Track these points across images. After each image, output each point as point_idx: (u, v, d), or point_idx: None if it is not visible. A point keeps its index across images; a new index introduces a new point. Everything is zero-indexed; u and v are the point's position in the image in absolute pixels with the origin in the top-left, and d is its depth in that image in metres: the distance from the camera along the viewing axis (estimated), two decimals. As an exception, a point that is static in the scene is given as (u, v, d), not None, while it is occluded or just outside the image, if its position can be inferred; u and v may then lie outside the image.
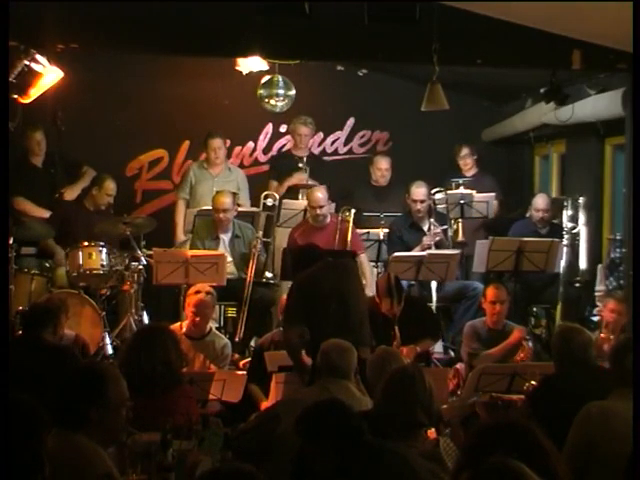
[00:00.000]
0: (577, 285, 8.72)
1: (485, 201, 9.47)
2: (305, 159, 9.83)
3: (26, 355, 5.52)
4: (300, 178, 9.49)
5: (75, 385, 3.63)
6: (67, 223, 8.74)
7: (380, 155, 10.13)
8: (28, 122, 9.14)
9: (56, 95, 8.50)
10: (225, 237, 8.66)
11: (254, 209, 9.45)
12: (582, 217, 8.87)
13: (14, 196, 8.91)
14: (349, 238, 8.65)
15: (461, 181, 9.75)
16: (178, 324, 7.23)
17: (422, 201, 8.93)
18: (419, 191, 8.94)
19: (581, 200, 8.89)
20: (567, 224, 8.86)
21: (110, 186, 8.90)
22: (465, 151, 10.12)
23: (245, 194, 9.74)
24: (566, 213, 8.87)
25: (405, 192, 9.13)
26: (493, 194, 9.57)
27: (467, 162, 10.12)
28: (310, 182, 9.36)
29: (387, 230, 9.03)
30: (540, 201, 9.12)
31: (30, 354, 5.57)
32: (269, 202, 9.35)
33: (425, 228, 9.00)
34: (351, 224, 8.78)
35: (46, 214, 9.03)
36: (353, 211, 8.92)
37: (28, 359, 5.45)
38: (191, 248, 8.61)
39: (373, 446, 3.58)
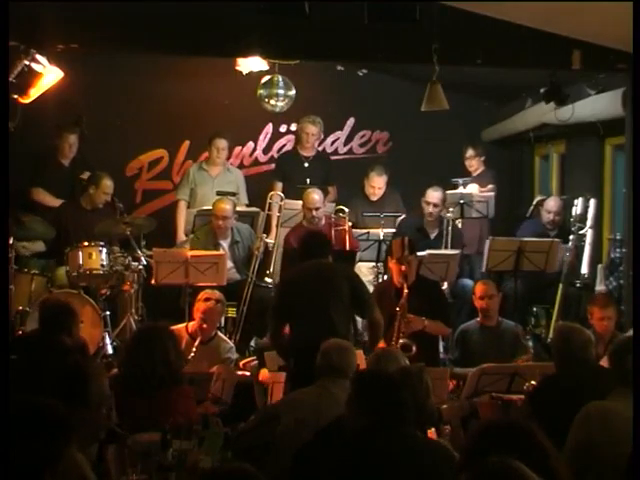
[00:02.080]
0: (578, 286, 8.72)
1: (485, 201, 9.48)
2: (311, 159, 9.83)
3: (46, 357, 5.50)
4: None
5: (57, 383, 3.62)
6: (65, 222, 8.74)
7: (376, 172, 9.70)
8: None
9: (55, 95, 8.49)
10: (224, 243, 8.65)
11: (254, 209, 9.44)
12: (590, 219, 8.82)
13: (32, 186, 9.12)
14: (347, 238, 8.64)
15: (461, 181, 9.75)
16: (183, 325, 7.25)
17: (435, 205, 8.89)
18: (435, 194, 8.91)
19: (592, 201, 8.84)
20: (575, 224, 8.82)
21: (107, 184, 8.88)
22: (470, 152, 10.11)
23: (244, 194, 9.75)
24: (575, 211, 8.83)
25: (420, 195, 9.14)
26: (492, 194, 9.57)
27: (472, 164, 10.11)
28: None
29: (387, 230, 9.05)
30: (552, 203, 9.10)
31: (49, 356, 5.55)
32: (274, 203, 9.34)
33: (432, 236, 8.98)
34: (348, 224, 8.80)
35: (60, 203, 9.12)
36: (346, 209, 8.95)
37: (48, 361, 5.43)
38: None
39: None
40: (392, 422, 3.69)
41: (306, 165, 9.75)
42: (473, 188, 9.71)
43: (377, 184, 9.69)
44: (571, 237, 8.72)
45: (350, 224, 9.12)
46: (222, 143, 9.62)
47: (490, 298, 7.36)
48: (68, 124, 9.42)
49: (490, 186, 9.83)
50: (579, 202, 8.88)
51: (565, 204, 9.18)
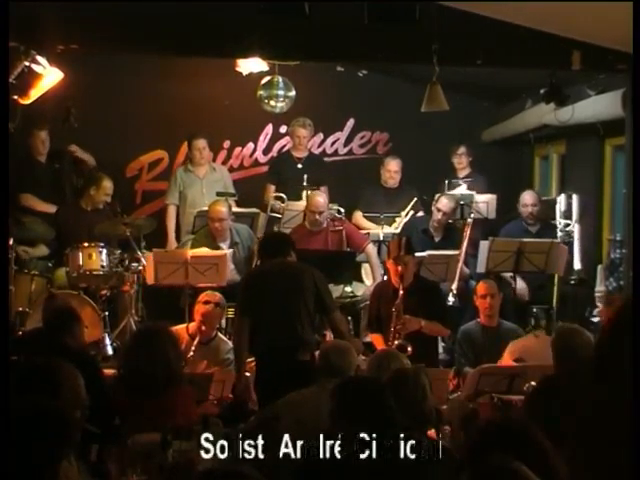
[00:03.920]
0: (572, 283, 8.73)
1: (485, 202, 9.47)
2: (304, 160, 9.83)
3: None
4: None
5: (26, 383, 3.56)
6: (65, 223, 8.74)
7: (391, 156, 10.06)
8: (28, 122, 9.17)
9: (56, 96, 8.49)
10: (224, 245, 8.63)
11: (253, 210, 9.44)
12: (575, 214, 8.88)
13: (21, 193, 9.03)
14: (344, 237, 8.64)
15: (461, 182, 9.75)
16: (184, 326, 7.24)
17: (445, 213, 8.94)
18: (447, 203, 8.97)
19: (575, 197, 8.89)
20: (560, 221, 8.86)
21: (108, 185, 8.89)
22: (462, 149, 10.13)
23: (232, 189, 9.74)
24: (559, 209, 8.88)
25: (430, 198, 9.23)
26: (494, 195, 9.56)
27: (462, 161, 10.11)
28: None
29: (387, 231, 9.09)
30: (527, 197, 9.13)
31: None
32: (277, 204, 9.33)
33: (437, 239, 9.00)
34: (344, 221, 8.80)
35: (52, 209, 9.07)
36: (342, 210, 8.96)
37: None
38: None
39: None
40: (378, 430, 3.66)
41: (299, 167, 9.75)
42: (463, 189, 9.69)
43: (393, 167, 9.81)
44: (559, 235, 8.75)
45: (358, 215, 9.18)
46: (201, 143, 9.63)
47: (492, 297, 7.36)
48: (36, 120, 9.29)
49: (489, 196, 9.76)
50: (562, 199, 8.94)
51: (548, 201, 9.22)
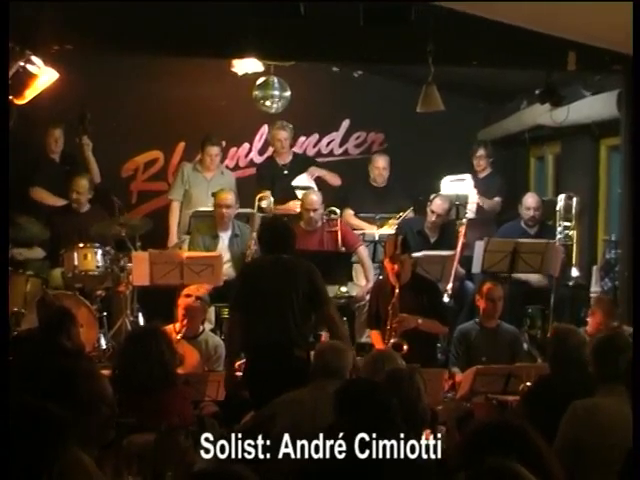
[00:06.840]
0: (570, 285, 8.72)
1: (477, 203, 9.47)
2: (289, 165, 9.73)
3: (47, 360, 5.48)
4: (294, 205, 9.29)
5: (42, 385, 3.56)
6: (58, 225, 8.73)
7: (378, 154, 10.06)
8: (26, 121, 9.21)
9: (50, 96, 8.47)
10: (225, 236, 8.65)
11: (249, 210, 9.44)
12: (574, 216, 8.88)
13: (31, 186, 9.10)
14: (339, 237, 8.64)
15: (452, 179, 9.72)
16: (172, 325, 7.23)
17: (439, 215, 8.92)
18: (441, 205, 8.94)
19: (575, 199, 8.89)
20: (560, 223, 8.85)
21: (79, 183, 8.80)
22: (481, 152, 10.04)
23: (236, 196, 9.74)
24: (559, 213, 8.88)
25: (427, 200, 9.20)
26: (477, 197, 9.55)
27: (480, 163, 10.03)
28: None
29: (382, 232, 9.09)
30: (530, 200, 9.11)
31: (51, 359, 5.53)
32: (264, 204, 9.33)
33: (432, 240, 9.00)
34: (339, 222, 8.80)
35: (60, 202, 9.08)
36: (338, 210, 8.96)
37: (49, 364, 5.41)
38: (191, 245, 8.66)
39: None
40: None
41: (286, 172, 9.69)
42: (469, 186, 9.66)
43: (381, 164, 9.74)
44: (558, 237, 8.74)
45: (349, 213, 9.15)
46: (214, 150, 9.56)
47: (499, 300, 7.35)
48: (54, 119, 9.39)
49: (497, 199, 9.72)
50: (562, 198, 8.94)
51: (547, 203, 9.20)
